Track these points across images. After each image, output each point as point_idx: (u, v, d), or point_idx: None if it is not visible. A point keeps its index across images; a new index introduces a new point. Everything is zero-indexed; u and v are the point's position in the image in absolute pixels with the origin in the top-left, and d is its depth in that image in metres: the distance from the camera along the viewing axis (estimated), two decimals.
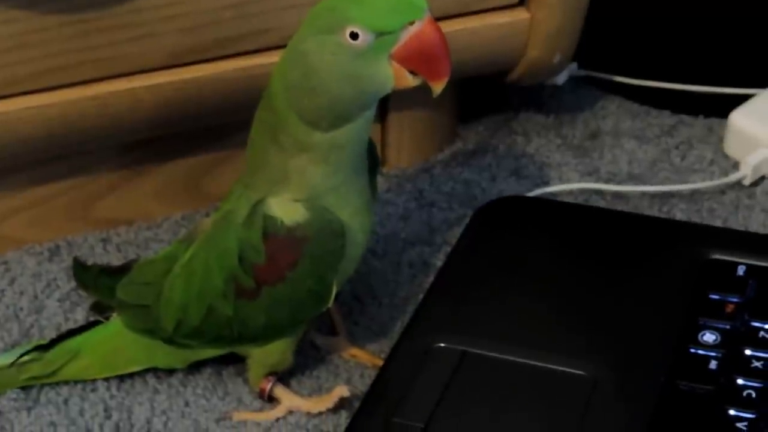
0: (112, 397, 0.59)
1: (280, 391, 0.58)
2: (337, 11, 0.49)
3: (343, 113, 0.51)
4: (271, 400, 0.58)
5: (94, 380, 0.60)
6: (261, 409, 0.58)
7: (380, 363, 0.59)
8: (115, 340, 0.59)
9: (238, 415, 0.58)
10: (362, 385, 0.59)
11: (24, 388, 0.59)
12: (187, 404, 0.58)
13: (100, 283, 0.62)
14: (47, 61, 0.60)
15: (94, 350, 0.59)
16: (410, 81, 0.50)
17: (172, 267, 0.56)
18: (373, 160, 0.57)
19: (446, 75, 0.51)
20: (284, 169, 0.53)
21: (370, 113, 0.53)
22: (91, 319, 0.61)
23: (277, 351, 0.57)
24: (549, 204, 0.69)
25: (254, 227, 0.53)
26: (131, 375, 0.60)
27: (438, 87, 0.51)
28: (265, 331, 0.55)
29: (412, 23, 0.49)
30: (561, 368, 0.55)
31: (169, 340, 0.57)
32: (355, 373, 0.60)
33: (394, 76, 0.50)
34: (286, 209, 0.53)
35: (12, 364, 0.59)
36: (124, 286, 0.59)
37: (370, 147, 0.56)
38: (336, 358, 0.61)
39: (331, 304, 0.55)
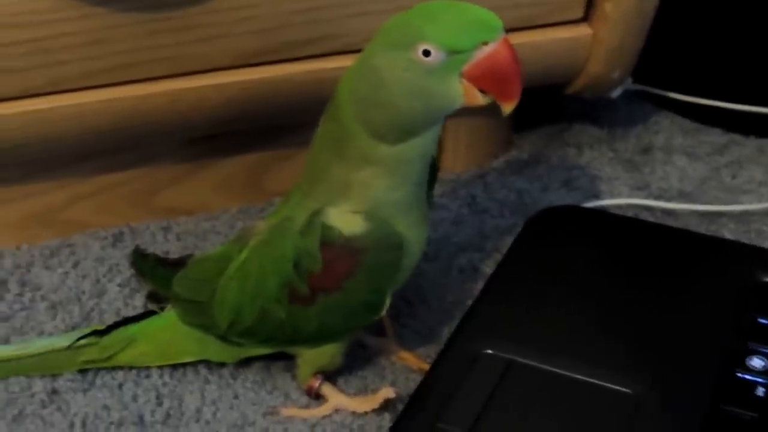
0: (164, 384, 0.57)
1: (327, 390, 0.56)
2: (410, 27, 0.47)
3: (411, 128, 0.49)
4: (318, 397, 0.56)
5: (148, 367, 0.58)
6: (307, 406, 0.56)
7: (426, 367, 0.57)
8: (170, 331, 0.57)
9: (286, 411, 0.56)
10: (407, 388, 0.57)
11: (81, 371, 0.58)
12: (236, 396, 0.57)
13: (156, 273, 0.61)
14: (120, 57, 0.59)
15: (149, 339, 0.57)
16: (480, 99, 0.48)
17: (226, 266, 0.54)
18: (432, 172, 0.55)
19: (517, 96, 0.48)
20: (346, 182, 0.51)
21: (437, 128, 0.50)
22: (149, 307, 0.60)
23: (327, 353, 0.55)
24: (601, 215, 0.66)
25: (311, 236, 0.51)
26: (184, 364, 0.58)
27: (508, 108, 0.48)
28: (317, 335, 0.53)
29: (486, 43, 0.46)
30: (606, 384, 0.52)
31: (222, 337, 0.55)
32: (400, 376, 0.58)
33: (464, 93, 0.47)
34: (345, 220, 0.51)
35: (69, 347, 0.57)
36: (179, 280, 0.57)
37: (432, 159, 0.54)
38: (383, 359, 0.59)
39: (384, 313, 0.53)
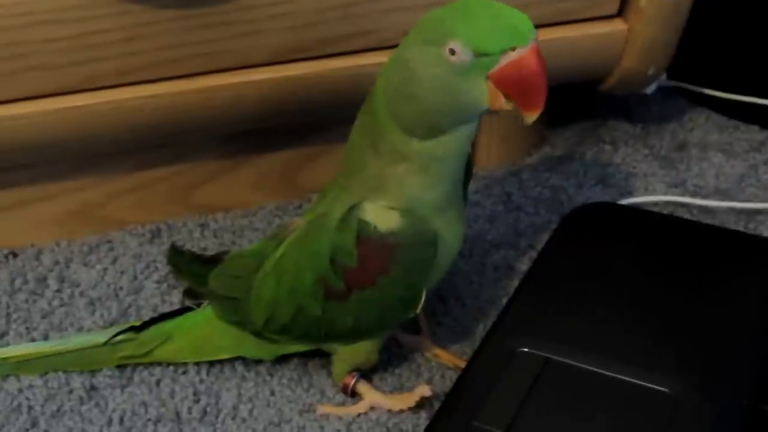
0: (201, 381, 0.56)
1: (363, 387, 0.55)
2: (443, 24, 0.46)
3: (438, 124, 0.48)
4: (354, 395, 0.55)
5: (185, 363, 0.57)
6: (343, 404, 0.55)
7: (462, 364, 0.56)
8: (206, 328, 0.56)
9: (322, 408, 0.55)
10: (443, 386, 0.56)
11: (119, 367, 0.57)
12: (272, 393, 0.56)
13: (192, 270, 0.60)
14: (157, 53, 0.58)
15: (186, 335, 0.57)
16: (504, 104, 0.46)
17: (262, 263, 0.53)
18: (467, 169, 0.53)
19: (539, 107, 0.46)
20: (381, 177, 0.50)
21: (469, 129, 0.49)
22: (186, 303, 0.59)
23: (363, 350, 0.54)
24: (637, 212, 0.65)
25: (348, 231, 0.50)
26: (221, 361, 0.57)
27: (529, 117, 0.47)
28: (353, 332, 0.52)
29: (513, 49, 0.45)
30: (643, 383, 0.51)
31: (258, 334, 0.54)
32: (436, 373, 0.57)
33: (489, 96, 0.46)
34: (381, 215, 0.50)
35: (106, 343, 0.56)
36: (215, 277, 0.56)
37: (467, 158, 0.52)
38: (418, 356, 0.58)
39: (419, 310, 0.52)
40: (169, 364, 0.57)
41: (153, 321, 0.57)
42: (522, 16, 0.45)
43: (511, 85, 0.45)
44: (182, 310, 0.58)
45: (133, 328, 0.57)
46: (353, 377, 0.55)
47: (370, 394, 0.55)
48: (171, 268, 0.63)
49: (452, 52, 0.45)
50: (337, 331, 0.52)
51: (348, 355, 0.54)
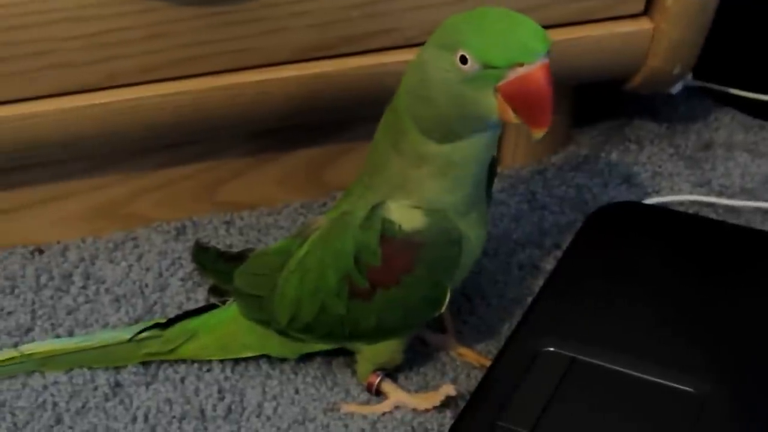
0: (226, 378, 0.55)
1: (387, 386, 0.54)
2: (457, 31, 0.45)
3: (451, 129, 0.46)
4: (378, 394, 0.54)
5: (209, 361, 0.56)
6: (368, 402, 0.54)
7: (487, 363, 0.55)
8: (231, 325, 0.56)
9: (346, 407, 0.54)
10: (468, 385, 0.55)
11: (144, 364, 0.56)
12: (297, 392, 0.55)
13: (217, 267, 0.60)
14: (181, 51, 0.58)
15: (211, 332, 0.56)
16: (512, 118, 0.45)
17: (286, 261, 0.53)
18: (491, 170, 0.52)
19: (545, 125, 0.45)
20: (403, 177, 0.49)
21: (487, 136, 0.47)
22: (211, 301, 0.58)
23: (387, 350, 0.53)
24: (663, 212, 0.63)
25: (372, 229, 0.49)
26: (245, 359, 0.57)
27: (536, 134, 0.45)
28: (377, 331, 0.51)
29: (522, 64, 0.43)
30: (670, 383, 0.50)
31: (283, 333, 0.53)
32: (461, 372, 0.56)
33: (498, 108, 0.45)
34: (405, 214, 0.49)
35: (131, 339, 0.56)
36: (240, 275, 0.55)
37: (491, 160, 0.52)
38: (443, 355, 0.57)
39: (444, 309, 0.51)
40: (193, 362, 0.56)
41: (178, 318, 0.56)
42: (537, 31, 0.44)
43: (517, 100, 0.44)
44: (207, 308, 0.57)
45: (158, 325, 0.56)
46: (378, 376, 0.54)
47: (395, 393, 0.54)
48: (196, 266, 0.63)
49: (463, 60, 0.44)
50: (360, 331, 0.51)
51: (372, 354, 0.53)
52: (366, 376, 0.54)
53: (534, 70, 0.43)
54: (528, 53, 0.43)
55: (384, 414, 0.53)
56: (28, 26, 0.55)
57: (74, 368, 0.56)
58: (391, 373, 0.55)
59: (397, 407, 0.53)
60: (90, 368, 0.56)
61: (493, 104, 0.44)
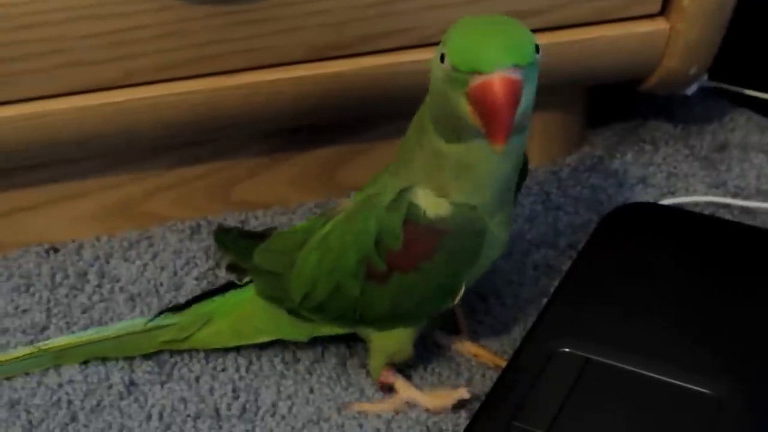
0: (240, 378, 0.55)
1: (400, 384, 0.54)
2: (451, 30, 0.45)
3: (450, 127, 0.46)
4: (390, 390, 0.54)
5: (224, 360, 0.56)
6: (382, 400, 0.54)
7: (501, 362, 0.55)
8: (246, 307, 0.55)
9: (359, 406, 0.53)
10: (483, 386, 0.54)
11: (159, 363, 0.56)
12: (311, 391, 0.55)
13: (238, 245, 0.59)
14: (196, 49, 0.58)
15: (226, 316, 0.56)
16: (480, 125, 0.44)
17: (307, 240, 0.52)
18: (521, 177, 0.52)
19: (500, 139, 0.43)
20: (427, 174, 0.49)
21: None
22: (229, 280, 0.58)
23: (396, 339, 0.53)
24: (679, 213, 0.63)
25: (397, 212, 0.49)
26: (259, 358, 0.56)
27: (493, 146, 0.44)
28: (388, 316, 0.51)
29: (480, 73, 0.43)
30: (686, 385, 0.49)
31: (294, 312, 0.53)
32: (476, 373, 0.55)
33: (470, 112, 0.44)
34: (432, 201, 0.49)
35: (146, 325, 0.56)
36: (261, 252, 0.55)
37: (523, 164, 0.51)
38: (458, 356, 0.56)
39: (457, 301, 0.50)
40: (208, 361, 0.56)
41: (194, 300, 0.56)
42: (512, 44, 0.43)
43: (475, 107, 0.43)
44: (223, 288, 0.57)
45: (174, 308, 0.56)
46: (391, 373, 0.53)
47: (406, 390, 0.53)
48: (216, 244, 0.63)
49: (442, 58, 0.44)
50: (372, 314, 0.51)
51: (381, 343, 0.53)
52: (378, 371, 0.54)
53: (491, 80, 0.42)
54: (487, 62, 0.43)
55: (397, 413, 0.53)
56: (45, 24, 0.55)
57: (89, 360, 0.56)
58: (406, 372, 0.55)
59: (407, 404, 0.53)
60: (104, 361, 0.56)
61: (466, 107, 0.44)
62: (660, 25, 0.63)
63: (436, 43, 0.47)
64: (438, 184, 0.48)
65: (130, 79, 0.58)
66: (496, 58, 0.43)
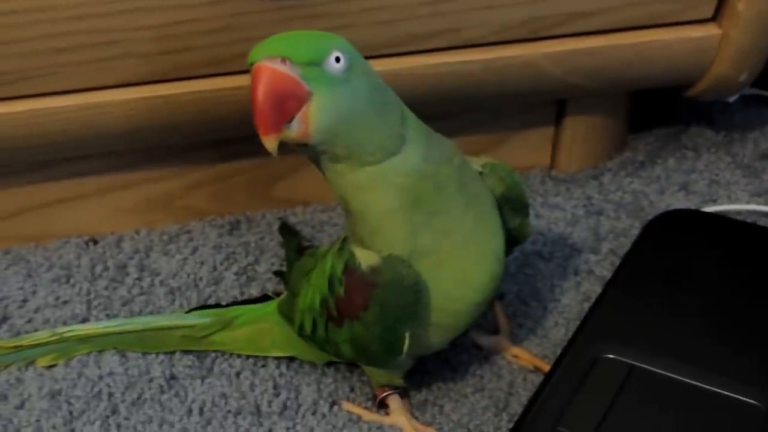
0: (281, 375, 0.55)
1: (394, 404, 0.52)
2: None
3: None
4: (381, 406, 0.53)
5: (264, 357, 0.56)
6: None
7: (541, 365, 0.55)
8: (267, 320, 0.55)
9: (347, 405, 0.53)
10: (524, 390, 0.54)
11: (199, 357, 0.56)
12: (352, 390, 0.54)
13: (290, 256, 0.58)
14: (249, 44, 0.56)
15: (247, 325, 0.55)
16: None
17: (315, 267, 0.51)
18: (519, 202, 0.51)
19: (261, 131, 0.42)
20: (349, 225, 0.48)
21: (389, 167, 0.45)
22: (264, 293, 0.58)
23: (383, 373, 0.52)
24: (722, 220, 0.62)
25: (340, 259, 0.48)
26: None
27: (264, 143, 0.43)
28: (356, 358, 0.50)
29: (253, 63, 0.42)
30: (732, 395, 0.49)
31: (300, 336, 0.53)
32: (518, 377, 0.55)
33: None
34: (365, 252, 0.47)
35: (189, 312, 0.56)
36: (294, 269, 0.54)
37: (518, 189, 0.50)
38: (499, 358, 0.56)
39: (403, 356, 0.48)
40: (248, 357, 0.56)
41: (237, 304, 0.56)
42: (287, 42, 0.43)
43: None
44: (259, 299, 0.57)
45: (217, 306, 0.56)
46: (385, 391, 0.52)
47: (397, 414, 0.52)
48: (282, 240, 0.62)
49: None
50: (341, 354, 0.50)
51: (370, 373, 0.52)
52: (377, 385, 0.53)
53: (256, 67, 0.42)
54: (259, 53, 0.42)
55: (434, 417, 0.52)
56: (97, 16, 0.54)
57: (106, 349, 0.56)
58: (446, 373, 0.54)
59: (391, 427, 0.52)
60: (145, 354, 0.56)
61: None
62: (712, 30, 0.62)
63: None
64: (358, 236, 0.47)
65: (179, 72, 0.57)
66: (265, 49, 0.42)
